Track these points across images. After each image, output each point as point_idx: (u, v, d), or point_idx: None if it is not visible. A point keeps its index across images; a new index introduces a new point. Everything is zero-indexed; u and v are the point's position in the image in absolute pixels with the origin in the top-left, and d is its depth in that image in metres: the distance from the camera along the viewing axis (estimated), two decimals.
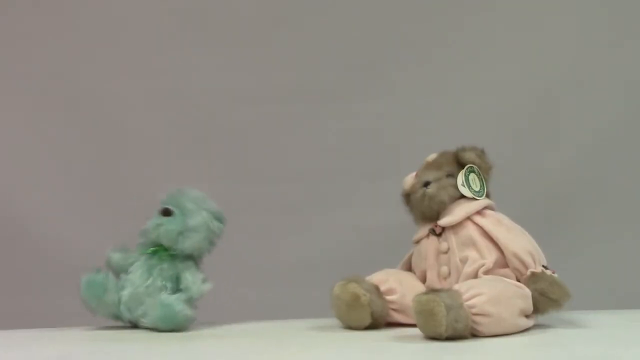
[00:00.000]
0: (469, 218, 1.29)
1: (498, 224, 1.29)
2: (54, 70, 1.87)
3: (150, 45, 1.88)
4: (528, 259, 1.26)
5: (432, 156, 1.35)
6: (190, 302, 1.30)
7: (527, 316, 1.22)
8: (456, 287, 1.18)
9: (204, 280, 1.32)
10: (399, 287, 1.29)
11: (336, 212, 1.83)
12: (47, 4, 1.88)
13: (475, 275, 1.25)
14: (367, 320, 1.26)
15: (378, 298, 1.27)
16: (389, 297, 1.28)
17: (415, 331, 1.16)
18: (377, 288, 1.28)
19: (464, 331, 1.13)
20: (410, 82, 1.85)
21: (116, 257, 1.35)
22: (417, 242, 1.33)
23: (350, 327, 1.28)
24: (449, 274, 1.28)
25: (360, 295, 1.25)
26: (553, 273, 1.26)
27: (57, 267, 1.80)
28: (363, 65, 1.86)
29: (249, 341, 1.23)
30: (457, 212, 1.29)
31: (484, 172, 1.34)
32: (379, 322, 1.27)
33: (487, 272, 1.24)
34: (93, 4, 1.89)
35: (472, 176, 1.32)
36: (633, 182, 1.81)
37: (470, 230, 1.28)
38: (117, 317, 1.33)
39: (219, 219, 1.36)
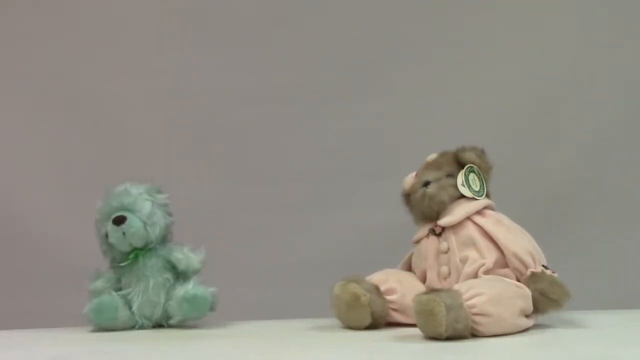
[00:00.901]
0: (469, 218, 1.29)
1: (498, 223, 1.29)
2: (54, 70, 1.87)
3: (150, 45, 1.88)
4: (528, 259, 1.26)
5: (432, 156, 1.35)
6: (198, 278, 1.33)
7: (527, 316, 1.22)
8: (456, 287, 1.18)
9: (193, 250, 1.35)
10: (399, 287, 1.29)
11: (336, 212, 1.83)
12: (47, 4, 1.88)
13: (475, 275, 1.25)
14: (367, 320, 1.26)
15: (378, 298, 1.27)
16: (389, 297, 1.28)
17: (415, 331, 1.16)
18: (377, 288, 1.28)
19: (464, 331, 1.13)
20: (410, 82, 1.85)
21: (99, 284, 1.35)
22: (417, 242, 1.33)
23: (350, 327, 1.28)
24: (449, 273, 1.28)
25: (360, 295, 1.25)
26: (553, 273, 1.26)
27: (57, 267, 1.80)
28: (363, 65, 1.85)
29: (249, 341, 1.23)
30: (457, 212, 1.29)
31: (484, 172, 1.34)
32: (379, 322, 1.27)
33: (487, 272, 1.25)
34: (93, 4, 1.89)
35: (472, 176, 1.33)
36: (633, 182, 1.81)
37: (470, 230, 1.28)
38: (136, 327, 1.33)
39: (157, 190, 1.37)
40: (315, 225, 1.84)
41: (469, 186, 1.31)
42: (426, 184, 1.31)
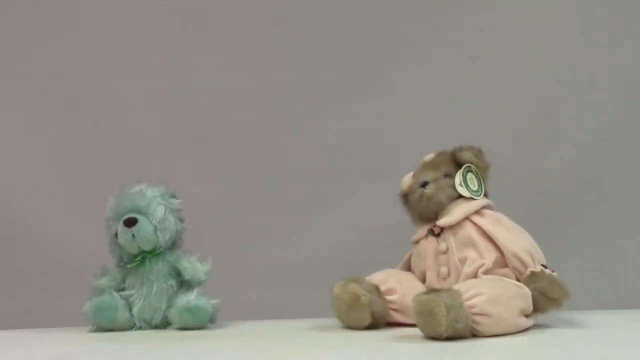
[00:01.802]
0: (467, 218, 1.29)
1: (497, 223, 1.29)
2: (54, 70, 1.87)
3: (150, 45, 1.88)
4: (527, 259, 1.26)
5: (429, 156, 1.35)
6: (202, 289, 1.32)
7: (527, 316, 1.22)
8: (456, 287, 1.18)
9: (201, 260, 1.34)
10: (399, 287, 1.29)
11: (336, 212, 1.83)
12: (47, 4, 1.88)
13: (475, 275, 1.25)
14: (367, 320, 1.26)
15: (378, 298, 1.27)
16: (389, 297, 1.28)
17: (415, 331, 1.16)
18: (377, 288, 1.28)
19: (464, 331, 1.13)
20: (410, 82, 1.85)
21: (103, 281, 1.35)
22: (416, 242, 1.33)
23: (350, 327, 1.28)
24: (448, 274, 1.28)
25: (361, 296, 1.25)
26: (552, 272, 1.26)
27: (57, 267, 1.80)
28: (363, 65, 1.86)
29: (249, 341, 1.23)
30: (455, 213, 1.29)
31: (481, 171, 1.34)
32: (379, 322, 1.27)
33: (486, 272, 1.24)
34: (93, 4, 1.89)
35: (469, 176, 1.32)
36: (633, 182, 1.81)
37: (469, 230, 1.28)
38: (134, 329, 1.33)
39: (172, 195, 1.37)
40: (315, 225, 1.84)
41: (467, 186, 1.31)
42: (424, 184, 1.31)
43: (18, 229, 1.82)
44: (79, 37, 1.88)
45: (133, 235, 1.31)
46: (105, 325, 1.32)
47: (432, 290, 1.16)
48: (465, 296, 1.15)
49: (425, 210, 1.30)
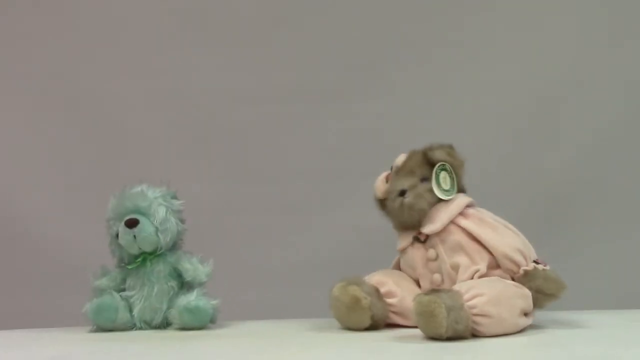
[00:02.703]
0: (452, 221, 1.27)
1: (482, 223, 1.27)
2: (54, 70, 1.87)
3: (150, 45, 1.88)
4: (519, 258, 1.25)
5: (400, 158, 1.32)
6: (203, 290, 1.32)
7: (526, 314, 1.22)
8: (456, 287, 1.18)
9: (202, 261, 1.34)
10: (398, 290, 1.28)
11: (336, 212, 1.83)
12: (47, 4, 1.88)
13: None
14: (367, 323, 1.26)
15: (378, 301, 1.27)
16: (388, 300, 1.27)
17: (415, 331, 1.16)
18: (377, 290, 1.27)
19: (464, 332, 1.13)
20: (410, 82, 1.85)
21: (103, 282, 1.35)
22: (402, 250, 1.32)
23: (349, 329, 1.28)
24: (442, 280, 1.27)
25: (361, 299, 1.25)
26: (545, 266, 1.25)
27: (57, 267, 1.80)
28: (363, 65, 1.85)
29: (249, 341, 1.23)
30: (439, 218, 1.27)
31: (456, 169, 1.30)
32: (378, 324, 1.27)
33: (481, 277, 1.24)
34: (93, 4, 1.89)
35: (442, 174, 1.29)
36: (633, 182, 1.81)
37: (456, 235, 1.27)
38: (134, 329, 1.33)
39: (173, 196, 1.37)
40: (315, 225, 1.84)
41: (439, 185, 1.29)
42: (402, 192, 1.28)
43: (18, 229, 1.82)
44: (79, 37, 1.88)
45: (134, 236, 1.31)
46: (105, 326, 1.32)
47: (432, 291, 1.16)
48: (465, 297, 1.15)
49: (407, 219, 1.28)
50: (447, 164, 1.30)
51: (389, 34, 1.86)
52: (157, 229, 1.32)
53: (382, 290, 1.28)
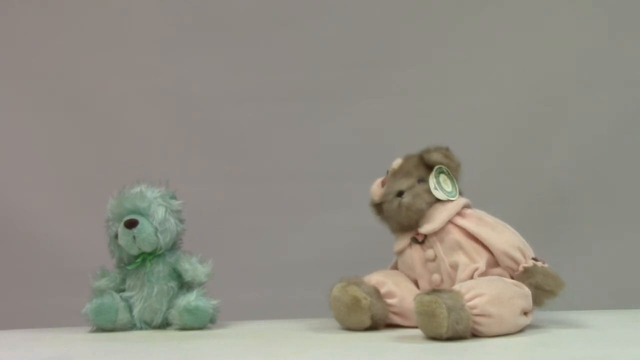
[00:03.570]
0: (450, 221, 1.28)
1: (480, 222, 1.28)
2: (54, 70, 1.87)
3: (150, 45, 1.88)
4: (518, 255, 1.25)
5: (397, 162, 1.33)
6: (203, 290, 1.32)
7: (526, 314, 1.22)
8: (457, 287, 1.18)
9: (201, 261, 1.34)
10: (398, 290, 1.28)
11: (336, 212, 1.83)
12: (47, 4, 1.88)
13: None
14: (367, 323, 1.26)
15: (378, 301, 1.27)
16: (388, 300, 1.27)
17: (415, 331, 1.16)
18: (377, 291, 1.27)
19: (464, 332, 1.13)
20: (410, 82, 1.85)
21: (102, 282, 1.35)
22: (400, 252, 1.32)
23: (349, 329, 1.28)
24: (442, 280, 1.27)
25: (361, 299, 1.25)
26: (543, 263, 1.26)
27: (57, 267, 1.80)
28: (363, 65, 1.85)
29: (248, 341, 1.23)
30: (437, 218, 1.28)
31: (453, 171, 1.31)
32: (378, 324, 1.27)
33: (481, 276, 1.24)
34: (93, 4, 1.89)
35: (442, 177, 1.30)
36: (633, 182, 1.81)
37: (454, 234, 1.27)
38: (135, 330, 1.33)
39: (171, 196, 1.37)
40: (315, 225, 1.84)
41: (442, 188, 1.30)
42: (400, 193, 1.28)
43: (18, 229, 1.82)
44: (79, 37, 1.88)
45: (134, 237, 1.31)
46: (105, 327, 1.32)
47: (433, 291, 1.16)
48: (466, 297, 1.15)
49: (405, 219, 1.28)
50: (444, 167, 1.30)
51: (389, 34, 1.86)
52: (156, 230, 1.32)
53: (382, 290, 1.28)
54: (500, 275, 1.25)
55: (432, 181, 1.29)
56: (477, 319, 1.14)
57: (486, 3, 1.86)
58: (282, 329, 1.32)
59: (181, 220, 1.37)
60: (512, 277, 1.25)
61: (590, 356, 1.05)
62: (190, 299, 1.30)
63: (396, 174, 1.31)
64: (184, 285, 1.35)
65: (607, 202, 1.81)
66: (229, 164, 1.86)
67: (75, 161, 1.87)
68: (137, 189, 1.35)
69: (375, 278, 1.30)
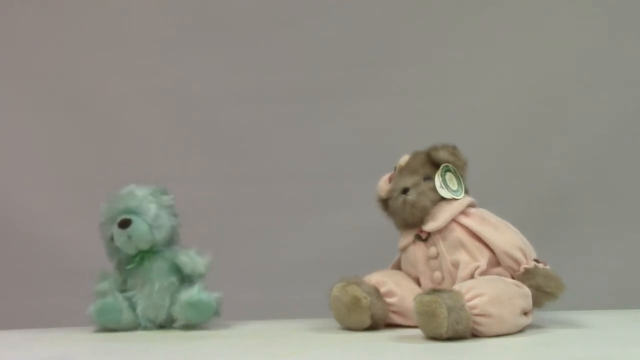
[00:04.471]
0: (453, 220, 1.28)
1: (484, 222, 1.28)
2: (54, 70, 1.87)
3: (150, 45, 1.88)
4: (519, 255, 1.25)
5: (404, 159, 1.33)
6: (203, 283, 1.32)
7: (526, 314, 1.22)
8: (457, 287, 1.18)
9: (199, 253, 1.34)
10: (398, 289, 1.28)
11: (336, 212, 1.83)
12: (47, 4, 1.88)
13: (471, 278, 1.24)
14: (367, 323, 1.26)
15: (378, 301, 1.27)
16: (388, 300, 1.27)
17: (415, 331, 1.16)
18: (377, 290, 1.27)
19: (464, 332, 1.13)
20: (410, 82, 1.85)
21: (104, 285, 1.35)
22: (404, 249, 1.32)
23: (349, 329, 1.28)
24: (443, 278, 1.27)
25: (361, 298, 1.25)
26: (545, 265, 1.26)
27: (57, 267, 1.80)
28: (363, 65, 1.85)
29: (248, 341, 1.23)
30: (441, 216, 1.28)
31: (459, 169, 1.31)
32: (378, 324, 1.27)
33: (482, 274, 1.24)
34: (93, 4, 1.89)
35: (448, 175, 1.30)
36: (633, 182, 1.81)
37: (457, 232, 1.27)
38: (140, 329, 1.33)
39: (163, 192, 1.37)
40: (315, 225, 1.84)
41: (447, 186, 1.30)
42: (405, 190, 1.28)
43: (18, 229, 1.82)
44: (78, 37, 1.88)
45: (129, 236, 1.31)
46: (110, 327, 1.32)
47: (433, 291, 1.16)
48: (466, 297, 1.15)
49: (409, 216, 1.29)
50: (450, 165, 1.30)
51: (389, 34, 1.86)
52: (150, 226, 1.32)
53: (382, 289, 1.28)
54: (501, 274, 1.25)
55: (438, 179, 1.30)
56: (477, 319, 1.14)
57: (486, 3, 1.86)
58: (282, 329, 1.32)
59: (175, 215, 1.37)
60: (512, 278, 1.25)
61: (590, 356, 1.05)
62: (193, 292, 1.30)
63: (403, 170, 1.32)
64: (185, 279, 1.35)
65: (607, 202, 1.81)
66: (229, 164, 1.86)
67: (75, 161, 1.87)
68: (126, 189, 1.35)
69: (375, 278, 1.30)
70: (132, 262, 1.33)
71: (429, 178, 1.30)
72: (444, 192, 1.29)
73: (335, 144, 1.86)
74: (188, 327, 1.31)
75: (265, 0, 1.89)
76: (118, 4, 1.89)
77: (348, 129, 1.85)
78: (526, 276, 1.24)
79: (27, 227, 1.83)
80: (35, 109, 1.87)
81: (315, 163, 1.85)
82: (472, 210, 1.30)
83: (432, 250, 1.28)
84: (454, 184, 1.30)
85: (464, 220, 1.28)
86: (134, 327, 1.32)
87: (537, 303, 1.24)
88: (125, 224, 1.31)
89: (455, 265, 1.26)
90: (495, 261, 1.27)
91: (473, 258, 1.26)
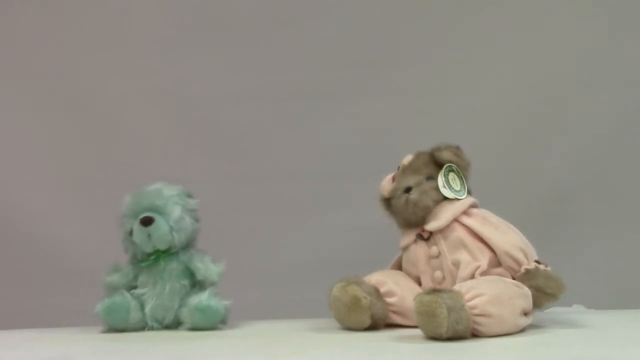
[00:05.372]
0: (455, 219, 1.28)
1: (485, 222, 1.28)
2: (54, 70, 1.87)
3: (150, 45, 1.88)
4: (520, 256, 1.25)
5: (407, 158, 1.33)
6: (215, 290, 1.32)
7: (526, 314, 1.22)
8: (457, 287, 1.18)
9: (214, 261, 1.34)
10: (398, 289, 1.28)
11: (336, 212, 1.83)
12: (47, 4, 1.88)
13: (472, 278, 1.24)
14: (367, 323, 1.26)
15: (378, 300, 1.27)
16: (388, 300, 1.27)
17: (415, 331, 1.16)
18: (377, 290, 1.27)
19: (464, 332, 1.13)
20: (410, 82, 1.85)
21: (115, 278, 1.34)
22: (405, 248, 1.32)
23: (349, 329, 1.28)
24: (443, 278, 1.27)
25: (361, 298, 1.25)
26: (546, 266, 1.26)
27: (57, 267, 1.80)
28: (363, 65, 1.86)
29: (249, 341, 1.23)
30: (443, 216, 1.28)
31: (462, 169, 1.31)
32: (378, 324, 1.27)
33: (483, 274, 1.24)
34: (93, 4, 1.90)
35: (451, 175, 1.31)
36: (633, 182, 1.81)
37: (458, 232, 1.27)
38: (146, 329, 1.33)
39: (189, 195, 1.37)
40: (315, 225, 1.84)
41: (450, 186, 1.30)
42: (407, 189, 1.29)
43: (18, 229, 1.82)
44: (79, 37, 1.88)
45: (149, 235, 1.30)
46: (117, 326, 1.31)
47: (433, 291, 1.16)
48: (466, 297, 1.15)
49: (412, 216, 1.29)
50: (453, 165, 1.31)
51: (389, 34, 1.86)
52: (172, 228, 1.31)
53: (382, 289, 1.28)
54: (501, 275, 1.25)
55: (440, 179, 1.30)
56: (477, 319, 1.14)
57: (486, 3, 1.86)
58: (283, 329, 1.32)
59: (197, 219, 1.36)
60: (513, 278, 1.25)
61: (590, 356, 1.05)
62: (202, 298, 1.30)
63: (406, 170, 1.32)
64: (196, 284, 1.34)
65: (607, 202, 1.81)
66: (229, 164, 1.86)
67: (75, 161, 1.87)
68: (154, 187, 1.34)
69: (375, 277, 1.30)
70: (147, 260, 1.33)
71: (432, 178, 1.30)
72: (446, 192, 1.29)
73: (335, 144, 1.86)
74: (194, 331, 1.31)
75: (265, 0, 1.89)
76: (118, 4, 1.89)
77: (348, 129, 1.85)
78: (527, 277, 1.24)
79: (27, 227, 1.83)
80: (35, 109, 1.87)
81: (315, 163, 1.85)
82: (474, 210, 1.31)
83: (434, 249, 1.28)
84: (456, 184, 1.31)
85: (465, 220, 1.28)
86: (141, 326, 1.32)
87: (537, 304, 1.24)
88: (147, 221, 1.30)
89: (456, 264, 1.26)
90: (496, 261, 1.27)
91: (474, 258, 1.26)
